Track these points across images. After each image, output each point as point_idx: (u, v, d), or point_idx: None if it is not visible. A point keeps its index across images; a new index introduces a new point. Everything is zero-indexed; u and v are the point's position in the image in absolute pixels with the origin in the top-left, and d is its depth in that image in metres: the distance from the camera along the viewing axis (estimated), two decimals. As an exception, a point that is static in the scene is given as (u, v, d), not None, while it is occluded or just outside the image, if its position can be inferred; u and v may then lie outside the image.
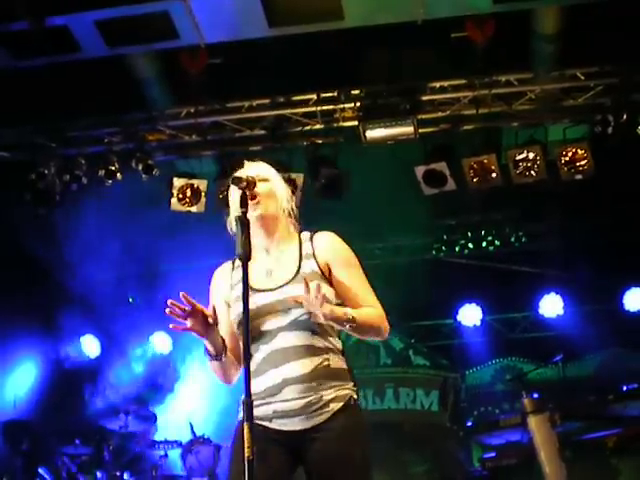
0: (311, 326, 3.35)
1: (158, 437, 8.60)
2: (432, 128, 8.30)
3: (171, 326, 3.26)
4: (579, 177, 8.13)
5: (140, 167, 8.26)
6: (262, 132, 8.40)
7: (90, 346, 10.43)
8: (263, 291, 3.36)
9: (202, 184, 8.46)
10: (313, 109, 8.26)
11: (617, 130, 7.84)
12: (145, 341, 10.61)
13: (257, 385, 3.28)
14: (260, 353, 3.33)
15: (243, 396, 3.16)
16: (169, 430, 8.90)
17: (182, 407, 9.88)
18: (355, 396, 3.40)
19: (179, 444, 8.36)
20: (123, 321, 10.16)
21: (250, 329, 3.18)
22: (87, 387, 9.91)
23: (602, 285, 9.68)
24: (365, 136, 8.03)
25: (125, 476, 7.96)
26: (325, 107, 8.24)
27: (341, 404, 3.33)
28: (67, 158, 8.40)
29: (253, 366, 3.27)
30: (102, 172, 8.27)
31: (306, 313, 3.29)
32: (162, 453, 8.28)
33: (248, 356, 2.97)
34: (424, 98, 8.10)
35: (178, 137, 8.48)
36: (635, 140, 7.86)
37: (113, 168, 8.28)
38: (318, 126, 8.35)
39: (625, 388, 7.77)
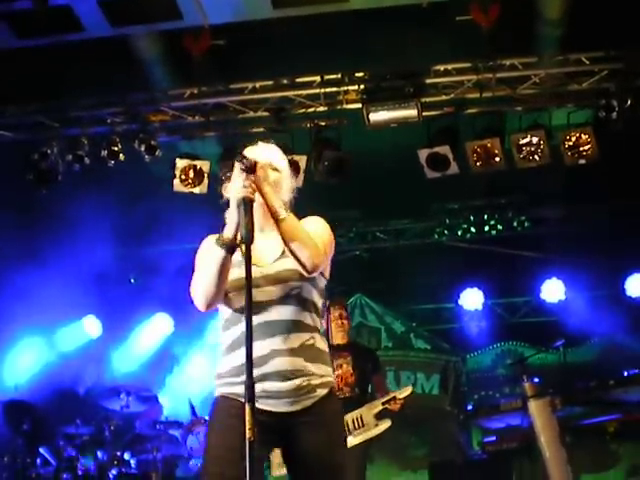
0: (301, 302, 3.38)
1: (159, 417, 8.62)
2: (436, 111, 8.27)
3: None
4: (583, 162, 8.11)
5: (143, 148, 8.24)
6: (265, 114, 8.38)
7: (91, 327, 10.45)
8: (256, 265, 3.34)
9: (205, 165, 8.45)
10: (317, 91, 8.24)
11: (621, 115, 7.82)
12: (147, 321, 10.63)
13: (238, 358, 3.29)
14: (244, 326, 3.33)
15: (220, 370, 3.37)
16: (170, 411, 8.93)
17: (183, 388, 9.93)
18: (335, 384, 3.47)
19: (180, 424, 8.39)
20: (125, 302, 10.19)
21: (239, 299, 3.30)
22: (88, 367, 9.94)
23: (604, 271, 9.69)
24: (368, 119, 8.01)
25: (126, 456, 7.99)
26: (329, 89, 8.21)
27: (326, 390, 3.37)
28: (70, 138, 8.38)
29: (236, 337, 3.36)
30: (105, 152, 8.25)
31: (297, 287, 3.34)
32: (163, 433, 8.31)
33: (250, 338, 2.96)
34: (428, 81, 8.07)
35: (181, 118, 8.45)
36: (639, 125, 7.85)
37: (116, 149, 8.26)
38: (321, 108, 8.32)
39: (626, 373, 7.80)
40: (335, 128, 8.40)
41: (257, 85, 8.25)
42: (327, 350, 3.47)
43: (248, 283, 3.02)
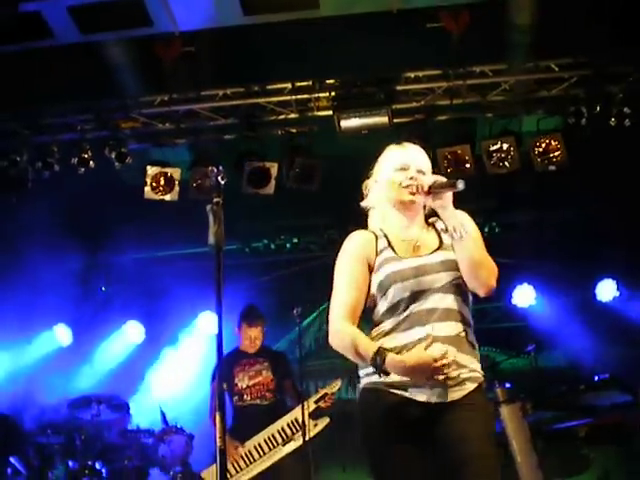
0: (461, 293, 3.48)
1: (130, 426, 8.56)
2: (407, 118, 8.30)
3: None
4: (552, 168, 8.17)
5: (113, 155, 8.21)
6: (236, 121, 8.37)
7: (62, 335, 10.36)
8: (419, 256, 3.50)
9: (176, 172, 8.42)
10: (288, 98, 8.24)
11: (590, 122, 7.89)
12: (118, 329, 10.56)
13: (397, 340, 3.37)
14: (407, 312, 3.41)
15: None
16: (141, 419, 8.87)
17: (154, 396, 9.87)
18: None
19: (151, 433, 8.33)
20: (96, 310, 10.12)
21: (402, 289, 3.38)
22: (59, 376, 9.85)
23: (575, 276, 9.74)
24: (340, 126, 8.03)
25: (97, 465, 7.91)
26: (300, 96, 8.23)
27: (475, 385, 3.38)
28: (40, 145, 8.32)
29: (395, 324, 3.41)
30: (75, 160, 8.21)
31: (458, 278, 3.44)
32: (134, 442, 8.24)
33: (221, 344, 2.95)
34: (399, 88, 8.10)
35: (152, 125, 8.43)
36: (608, 131, 7.91)
37: (86, 156, 8.21)
38: (293, 115, 8.33)
39: (597, 378, 7.83)
40: (306, 135, 8.41)
41: (228, 92, 8.24)
42: (476, 346, 3.51)
43: (218, 289, 3.01)
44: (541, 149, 8.16)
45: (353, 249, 3.60)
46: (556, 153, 8.13)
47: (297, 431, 6.78)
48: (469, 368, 3.38)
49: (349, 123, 8.01)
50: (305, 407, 6.74)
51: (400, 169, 3.62)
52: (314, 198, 8.97)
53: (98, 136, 8.33)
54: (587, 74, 7.94)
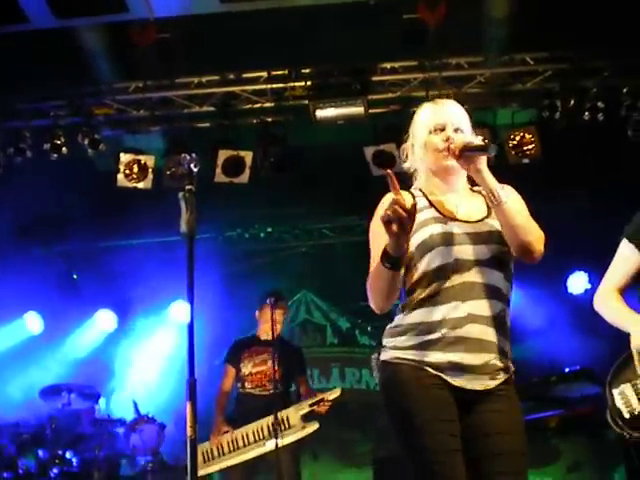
0: (504, 269, 3.26)
1: (101, 416, 8.52)
2: (382, 109, 8.31)
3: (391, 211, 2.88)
4: (526, 161, 8.21)
5: (86, 142, 8.14)
6: (211, 109, 8.34)
7: (33, 323, 10.28)
8: (467, 222, 3.26)
9: (149, 160, 8.37)
10: (263, 87, 8.22)
11: (564, 115, 7.94)
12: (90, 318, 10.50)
13: (435, 313, 3.16)
14: (447, 282, 3.17)
15: (402, 322, 3.21)
16: (113, 409, 8.84)
17: (127, 385, 9.83)
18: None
19: (123, 422, 8.30)
20: (67, 298, 10.05)
21: (446, 254, 3.14)
22: (29, 365, 9.78)
23: (546, 268, 9.76)
24: (315, 115, 8.01)
25: (68, 455, 7.88)
26: (275, 85, 8.20)
27: (507, 375, 3.24)
28: (12, 131, 8.24)
29: (430, 294, 3.18)
30: (47, 146, 8.13)
31: (505, 252, 3.22)
32: (105, 431, 8.21)
33: (192, 330, 2.94)
34: (375, 79, 8.10)
35: (126, 112, 8.36)
36: (582, 125, 7.96)
37: (59, 142, 8.14)
38: (268, 104, 8.30)
39: (567, 370, 7.90)
40: (281, 124, 8.39)
41: (203, 80, 8.21)
42: (510, 326, 3.29)
43: (190, 277, 2.99)
44: (515, 142, 8.20)
45: None
46: (530, 146, 8.17)
47: (286, 429, 6.75)
48: (504, 354, 3.22)
49: (324, 113, 8.00)
50: (300, 408, 6.80)
51: (435, 130, 3.35)
52: (288, 188, 8.97)
53: (71, 122, 8.26)
54: (562, 68, 7.98)
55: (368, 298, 3.21)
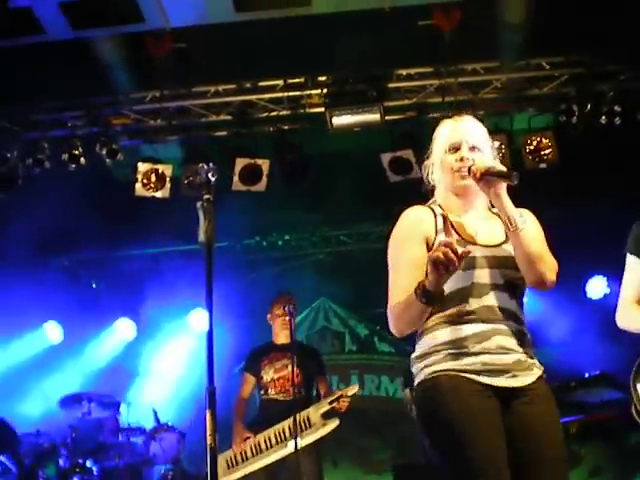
0: (520, 294, 3.28)
1: (122, 424, 8.54)
2: (398, 115, 8.31)
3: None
4: (543, 166, 8.18)
5: (104, 151, 8.17)
6: (228, 117, 8.36)
7: (53, 332, 10.33)
8: (486, 246, 3.25)
9: (167, 169, 8.40)
10: (279, 95, 8.23)
11: (581, 120, 7.91)
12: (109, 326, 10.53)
13: (459, 332, 3.16)
14: (467, 305, 3.18)
15: (436, 342, 3.18)
16: (133, 417, 8.86)
17: (146, 394, 9.85)
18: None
19: (143, 431, 8.32)
20: (86, 307, 10.10)
21: (462, 277, 3.12)
22: (49, 374, 9.83)
23: (565, 273, 9.71)
24: (331, 123, 8.02)
25: (88, 463, 7.90)
26: (292, 93, 8.21)
27: (541, 372, 3.26)
28: (30, 142, 8.29)
29: (455, 316, 3.19)
30: (65, 156, 8.17)
31: (520, 278, 3.22)
32: (125, 440, 8.23)
33: (211, 339, 2.94)
34: (391, 85, 8.10)
35: (143, 122, 8.40)
36: (599, 130, 7.93)
37: (77, 152, 8.18)
38: (284, 112, 8.31)
39: (587, 375, 7.86)
40: (298, 132, 8.40)
41: (220, 88, 8.23)
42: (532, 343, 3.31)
43: (209, 286, 3.00)
44: (532, 147, 8.18)
45: (409, 226, 3.32)
46: (547, 151, 8.15)
47: (307, 428, 6.75)
48: (532, 355, 3.25)
49: (341, 120, 8.01)
50: (320, 406, 6.79)
51: (450, 149, 3.35)
52: (305, 195, 8.98)
53: (89, 132, 8.30)
54: (578, 72, 7.96)
55: (389, 321, 3.24)
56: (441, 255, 2.86)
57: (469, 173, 3.23)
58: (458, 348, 3.16)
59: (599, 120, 7.89)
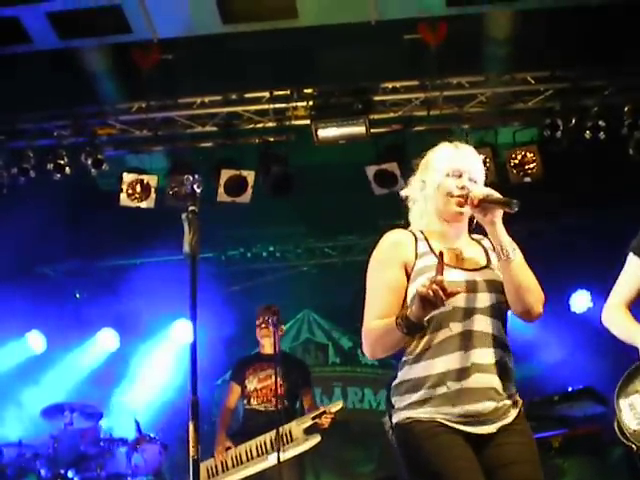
0: (503, 317, 3.27)
1: (103, 435, 8.50)
2: (384, 128, 8.34)
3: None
4: (528, 180, 8.22)
5: (89, 161, 8.17)
6: (213, 129, 8.37)
7: (36, 342, 10.27)
8: (466, 269, 3.24)
9: (152, 180, 8.39)
10: (265, 107, 8.25)
11: (566, 134, 7.96)
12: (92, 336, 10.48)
13: (438, 365, 3.14)
14: (448, 331, 3.15)
15: (410, 376, 3.17)
16: (115, 428, 8.81)
17: (129, 404, 9.80)
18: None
19: (125, 442, 8.27)
20: (69, 317, 10.05)
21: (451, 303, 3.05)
22: (32, 384, 9.77)
23: (549, 287, 9.75)
24: (317, 135, 8.04)
25: (70, 474, 7.85)
26: (277, 105, 8.23)
27: (518, 410, 3.25)
28: (15, 151, 8.27)
29: (429, 346, 3.16)
30: (51, 166, 8.16)
31: (503, 302, 3.22)
32: (107, 451, 8.18)
33: (195, 352, 2.94)
34: (376, 98, 8.13)
35: (128, 132, 8.40)
36: (583, 144, 7.98)
37: (62, 162, 8.16)
38: (270, 124, 8.33)
39: (570, 389, 7.87)
40: (283, 144, 8.41)
41: (206, 100, 8.23)
42: (514, 371, 3.30)
43: (193, 297, 3.00)
44: (517, 161, 8.22)
45: (388, 249, 3.30)
46: (531, 165, 8.19)
47: (288, 443, 6.72)
48: (512, 395, 3.25)
49: (326, 132, 8.03)
50: (302, 421, 6.76)
51: (451, 175, 3.34)
52: (290, 207, 8.99)
53: (74, 142, 8.29)
54: (563, 87, 8.01)
55: (363, 343, 3.26)
56: (431, 293, 2.87)
57: (465, 201, 3.24)
58: (435, 387, 3.14)
59: (583, 135, 7.93)
